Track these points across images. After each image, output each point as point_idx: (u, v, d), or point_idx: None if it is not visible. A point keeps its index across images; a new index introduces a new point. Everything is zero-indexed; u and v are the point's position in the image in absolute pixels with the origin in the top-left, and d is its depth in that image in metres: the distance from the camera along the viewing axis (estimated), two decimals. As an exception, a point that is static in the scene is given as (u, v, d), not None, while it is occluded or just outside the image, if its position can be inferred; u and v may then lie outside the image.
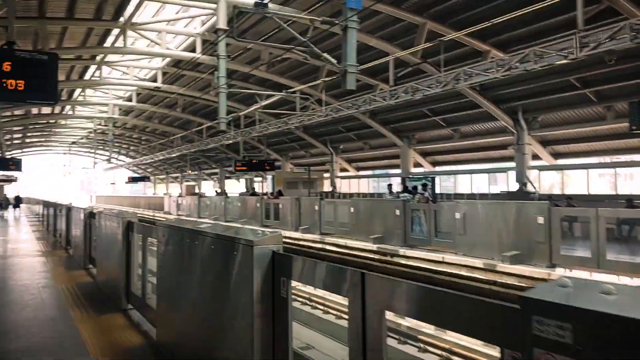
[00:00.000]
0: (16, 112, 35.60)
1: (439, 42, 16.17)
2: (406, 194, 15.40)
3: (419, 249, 13.51)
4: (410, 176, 24.38)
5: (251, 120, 29.80)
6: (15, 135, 46.37)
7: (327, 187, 32.65)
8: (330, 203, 17.67)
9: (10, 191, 49.96)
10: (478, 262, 11.27)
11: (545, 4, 12.69)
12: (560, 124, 20.27)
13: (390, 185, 18.30)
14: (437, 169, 27.52)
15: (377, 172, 33.31)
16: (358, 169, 33.57)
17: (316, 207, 17.66)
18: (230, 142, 30.82)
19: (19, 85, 5.51)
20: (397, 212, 13.90)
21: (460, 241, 12.16)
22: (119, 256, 7.22)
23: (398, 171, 28.26)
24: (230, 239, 3.51)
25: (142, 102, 32.95)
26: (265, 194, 28.21)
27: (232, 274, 3.48)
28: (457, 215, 12.06)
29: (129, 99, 32.50)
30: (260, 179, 43.08)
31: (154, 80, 27.05)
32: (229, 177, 48.68)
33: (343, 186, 33.28)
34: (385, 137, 27.17)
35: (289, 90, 20.33)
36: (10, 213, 38.66)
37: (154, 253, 5.90)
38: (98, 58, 24.90)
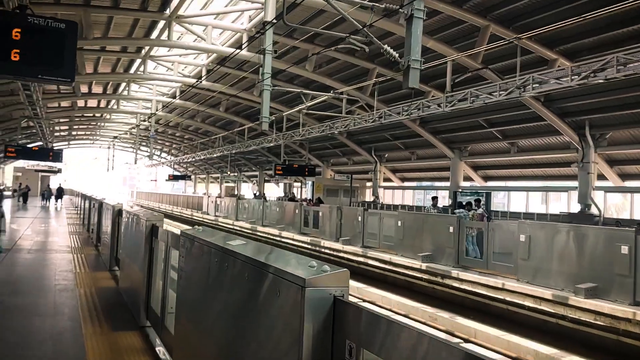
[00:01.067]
0: (63, 104, 35.89)
1: (503, 45, 14.86)
2: (462, 210, 14.05)
3: (473, 271, 12.16)
4: (460, 190, 22.89)
5: (294, 124, 28.94)
6: (62, 127, 47.05)
7: (368, 197, 31.42)
8: (374, 214, 16.48)
9: (54, 183, 50.70)
10: (546, 293, 9.87)
11: (625, 6, 11.30)
12: (631, 143, 18.47)
13: (435, 199, 16.92)
14: (489, 184, 25.90)
15: (423, 184, 31.86)
16: (403, 179, 32.19)
17: (359, 218, 16.50)
18: (272, 144, 29.98)
19: (29, 57, 4.60)
20: (451, 229, 12.60)
21: (523, 266, 10.77)
22: (141, 263, 6.28)
23: (446, 184, 26.79)
24: (273, 270, 2.42)
25: (185, 100, 32.57)
26: (305, 199, 27.20)
27: (272, 317, 2.40)
28: (522, 238, 10.68)
29: (173, 96, 32.16)
30: (299, 184, 42.20)
31: (199, 77, 26.50)
32: (268, 181, 48.04)
33: (386, 197, 31.96)
34: (435, 148, 25.77)
35: (336, 91, 19.24)
36: (52, 204, 38.98)
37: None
38: (143, 52, 24.54)
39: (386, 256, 14.65)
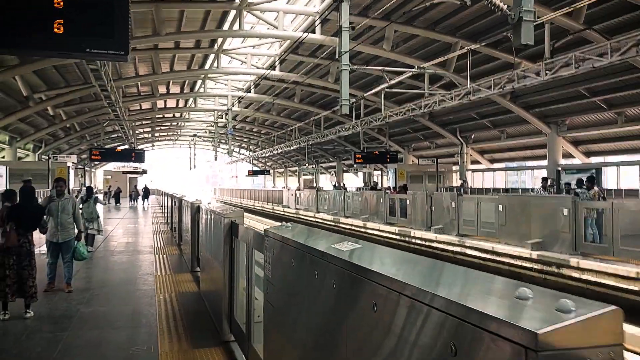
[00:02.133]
0: (144, 106, 36.77)
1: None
2: (581, 189, 12.25)
3: (595, 258, 10.48)
4: (563, 168, 20.70)
5: (370, 109, 27.72)
6: (145, 129, 48.61)
7: (455, 181, 29.63)
8: (470, 199, 14.97)
9: (141, 184, 52.49)
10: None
11: None
12: None
13: (545, 180, 15.11)
14: (592, 160, 23.39)
15: (512, 164, 29.55)
16: (492, 160, 30.06)
17: (452, 204, 15.06)
18: (349, 132, 28.86)
19: (75, 29, 3.78)
20: (565, 211, 10.95)
21: (664, 253, 9.01)
22: (221, 266, 5.43)
23: (540, 163, 24.55)
24: (444, 306, 1.30)
25: (260, 94, 32.22)
26: (388, 188, 25.90)
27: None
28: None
29: (247, 90, 31.91)
30: (379, 172, 40.91)
31: (272, 67, 25.93)
32: (346, 171, 47.11)
33: (474, 180, 29.99)
34: (527, 124, 23.62)
35: (421, 66, 17.74)
36: (139, 205, 40.15)
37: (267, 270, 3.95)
38: (216, 46, 24.26)
39: (486, 245, 13.16)
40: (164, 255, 11.55)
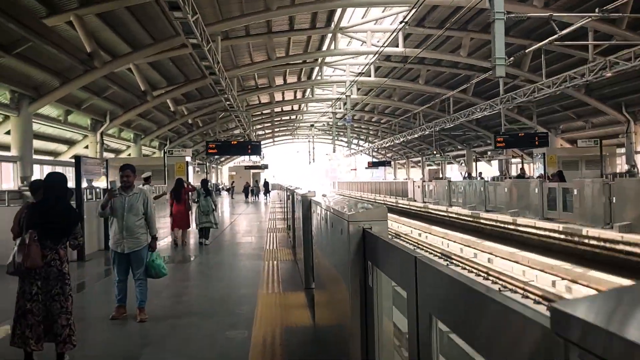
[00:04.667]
0: (262, 100, 35.85)
1: None
2: None
3: None
4: None
5: (509, 86, 23.84)
6: (266, 124, 48.29)
7: (619, 166, 24.64)
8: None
9: (263, 179, 52.48)
10: None
11: None
12: None
13: None
14: None
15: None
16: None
17: (646, 194, 11.30)
18: (485, 113, 25.17)
19: None
20: None
21: None
22: (346, 290, 2.88)
23: None
24: None
25: (381, 77, 29.47)
26: (540, 176, 21.81)
27: None
28: None
29: (367, 74, 29.37)
30: (517, 160, 36.30)
31: (395, 44, 23.12)
32: (477, 160, 42.82)
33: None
34: None
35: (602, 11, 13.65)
36: (260, 199, 39.55)
37: None
38: (333, 25, 22.30)
39: None
40: (275, 262, 9.36)
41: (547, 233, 15.02)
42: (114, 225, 5.59)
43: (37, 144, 20.86)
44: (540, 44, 14.74)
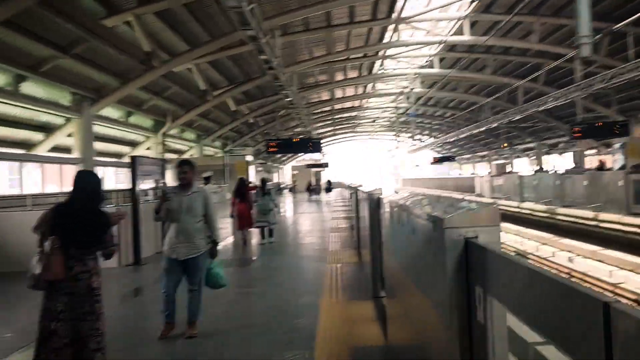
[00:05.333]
0: (323, 97, 35.33)
1: None
2: None
3: None
4: None
5: (584, 73, 22.01)
6: (326, 121, 47.85)
7: None
8: None
9: (325, 178, 52.11)
10: None
11: None
12: None
13: None
14: None
15: None
16: None
17: None
18: (558, 102, 23.46)
19: None
20: None
21: None
22: (439, 323, 2.16)
23: None
24: None
25: (445, 68, 28.18)
26: (623, 167, 19.96)
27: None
28: None
29: (431, 66, 28.20)
30: (592, 152, 33.94)
31: (460, 33, 21.96)
32: (548, 152, 40.51)
33: None
34: None
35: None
36: (322, 197, 39.14)
37: None
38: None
39: None
40: (338, 266, 8.71)
41: (635, 229, 13.57)
42: (170, 228, 5.04)
43: (100, 146, 21.24)
44: (625, 22, 13.21)
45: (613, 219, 14.61)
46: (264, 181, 12.76)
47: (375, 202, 6.17)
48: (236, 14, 10.35)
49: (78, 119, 16.80)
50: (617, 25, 12.16)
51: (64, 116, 17.35)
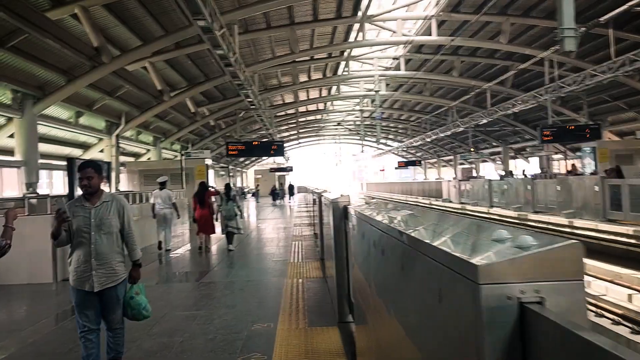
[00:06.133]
0: (287, 100, 34.36)
1: None
2: None
3: None
4: None
5: (552, 76, 21.70)
6: (290, 125, 46.86)
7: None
8: None
9: (288, 182, 51.16)
10: None
11: None
12: None
13: None
14: None
15: None
16: None
17: None
18: (528, 105, 23.12)
19: None
20: None
21: None
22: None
23: None
24: None
25: (412, 70, 27.60)
26: (594, 172, 19.61)
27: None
28: None
29: (397, 68, 27.58)
30: (559, 156, 34.00)
31: (427, 33, 21.38)
32: (514, 157, 40.57)
33: None
34: None
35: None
36: (285, 202, 38.16)
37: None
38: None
39: None
40: (301, 281, 7.74)
41: (611, 237, 13.07)
42: (76, 252, 3.85)
43: (50, 148, 19.68)
44: (609, 14, 12.64)
45: (589, 226, 14.11)
46: (227, 186, 12.28)
47: (340, 212, 5.24)
48: (186, 0, 9.30)
49: (20, 118, 15.33)
50: (601, 20, 11.58)
51: (4, 115, 15.85)
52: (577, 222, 14.59)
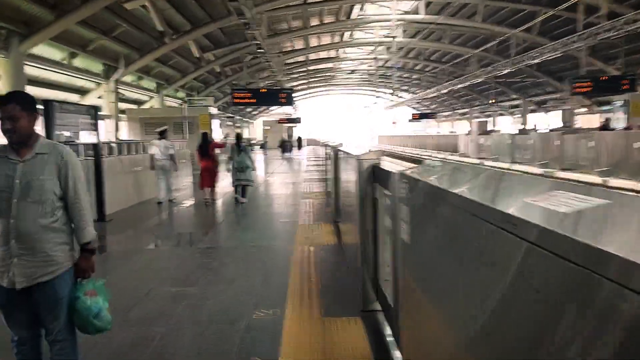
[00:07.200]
0: (297, 46, 32.56)
1: None
2: None
3: None
4: None
5: (584, 23, 19.86)
6: (301, 82, 45.12)
7: None
8: None
9: (297, 134, 49.76)
10: None
11: None
12: None
13: None
14: None
15: None
16: None
17: None
18: (556, 54, 21.42)
19: None
20: None
21: None
22: None
23: None
24: None
25: (432, 15, 25.71)
26: (629, 127, 18.12)
27: None
28: None
29: (415, 12, 25.70)
30: (584, 109, 32.29)
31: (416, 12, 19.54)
32: (534, 110, 38.84)
33: None
34: None
35: None
36: (293, 155, 36.99)
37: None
38: None
39: None
40: (311, 249, 6.63)
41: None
42: None
43: (44, 92, 18.45)
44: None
45: (625, 186, 12.84)
46: (239, 137, 11.77)
47: (368, 174, 4.03)
48: None
49: (4, 58, 14.06)
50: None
51: (-15, 55, 14.62)
52: (613, 182, 13.31)
